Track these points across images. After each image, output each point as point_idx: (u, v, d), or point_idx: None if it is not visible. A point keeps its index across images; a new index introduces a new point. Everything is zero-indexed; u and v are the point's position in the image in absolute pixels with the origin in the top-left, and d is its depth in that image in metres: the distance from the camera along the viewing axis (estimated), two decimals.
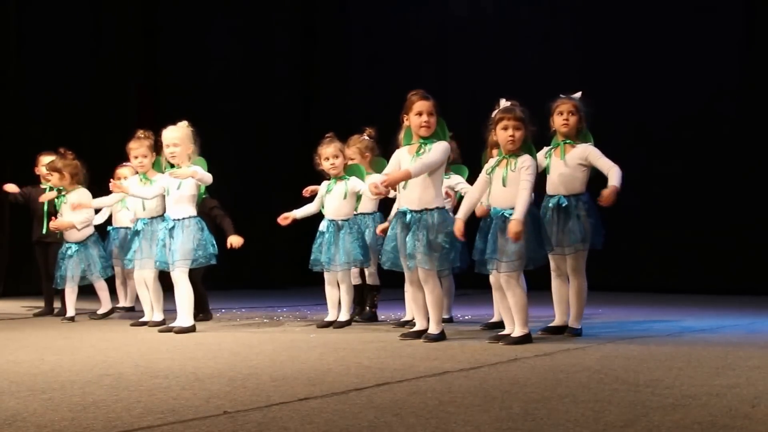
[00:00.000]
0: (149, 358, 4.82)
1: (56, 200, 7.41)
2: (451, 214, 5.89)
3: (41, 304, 7.94)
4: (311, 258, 6.56)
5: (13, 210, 9.78)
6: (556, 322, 6.00)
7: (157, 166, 6.83)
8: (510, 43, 11.44)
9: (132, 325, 6.69)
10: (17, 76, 10.45)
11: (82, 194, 7.33)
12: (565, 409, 3.29)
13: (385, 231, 6.11)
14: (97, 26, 11.23)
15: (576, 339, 5.71)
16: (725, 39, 10.36)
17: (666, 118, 10.55)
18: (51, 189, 7.52)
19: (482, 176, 5.58)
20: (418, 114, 5.62)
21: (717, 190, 10.26)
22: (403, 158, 5.69)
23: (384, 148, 7.01)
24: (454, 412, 3.25)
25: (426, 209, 5.57)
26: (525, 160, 5.39)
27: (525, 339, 5.39)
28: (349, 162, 6.90)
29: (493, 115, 5.56)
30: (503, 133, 5.43)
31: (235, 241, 6.59)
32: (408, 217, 5.58)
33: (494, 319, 6.39)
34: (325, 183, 6.67)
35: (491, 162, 5.54)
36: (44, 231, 7.58)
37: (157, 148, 6.73)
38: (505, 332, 5.55)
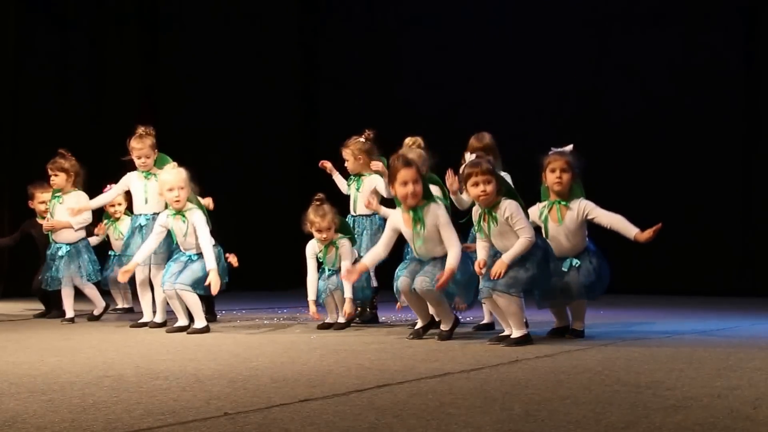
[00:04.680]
0: (149, 359, 4.82)
1: (51, 200, 7.35)
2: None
3: (38, 305, 7.91)
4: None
5: (13, 210, 9.77)
6: (557, 324, 6.00)
7: (159, 163, 6.75)
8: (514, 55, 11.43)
9: (132, 326, 6.68)
10: (17, 93, 10.42)
11: (80, 197, 7.30)
12: (566, 411, 3.28)
13: None
14: (97, 30, 11.21)
15: (577, 340, 5.71)
16: (723, 51, 10.40)
17: (664, 116, 10.55)
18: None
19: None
20: (402, 183, 5.58)
21: (718, 190, 10.25)
22: (401, 228, 5.73)
23: (383, 149, 7.02)
24: (455, 413, 3.25)
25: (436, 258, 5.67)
26: (503, 209, 5.36)
27: (525, 339, 5.39)
28: (346, 162, 7.02)
29: (461, 171, 5.49)
30: (475, 190, 5.38)
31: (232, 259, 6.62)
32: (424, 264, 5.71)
33: (485, 321, 6.39)
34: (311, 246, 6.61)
35: (475, 216, 5.51)
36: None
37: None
38: (505, 333, 5.55)
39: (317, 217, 6.45)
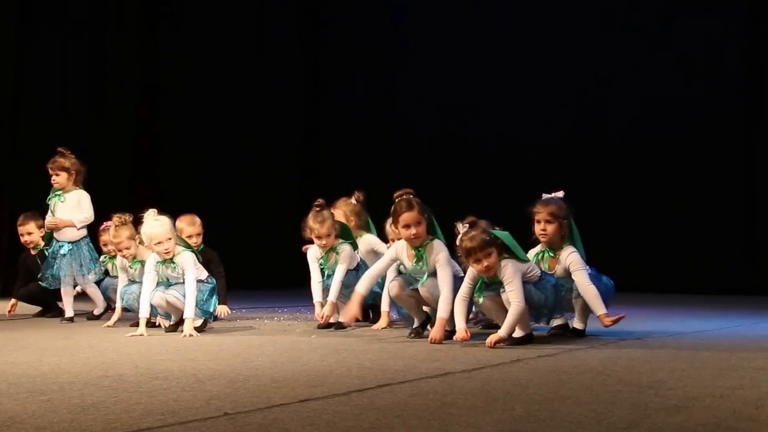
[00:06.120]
0: (149, 359, 4.80)
1: (52, 199, 7.32)
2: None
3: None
4: None
5: (12, 209, 9.75)
6: (559, 321, 5.99)
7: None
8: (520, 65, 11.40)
9: (132, 326, 6.66)
10: (17, 93, 10.38)
11: (81, 195, 7.28)
12: (567, 411, 3.27)
13: None
14: (97, 31, 11.18)
15: (578, 340, 5.70)
16: (721, 49, 10.40)
17: (665, 116, 10.55)
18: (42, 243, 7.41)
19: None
20: (405, 227, 5.62)
21: (718, 189, 10.25)
22: (403, 260, 5.78)
23: (373, 210, 6.96)
24: (456, 413, 3.24)
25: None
26: (501, 273, 5.32)
27: (527, 339, 5.40)
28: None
29: (458, 243, 5.42)
30: (478, 266, 5.34)
31: (222, 310, 6.60)
32: None
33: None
34: (313, 252, 6.61)
35: (473, 275, 5.46)
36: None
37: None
38: None
39: (316, 223, 6.43)
